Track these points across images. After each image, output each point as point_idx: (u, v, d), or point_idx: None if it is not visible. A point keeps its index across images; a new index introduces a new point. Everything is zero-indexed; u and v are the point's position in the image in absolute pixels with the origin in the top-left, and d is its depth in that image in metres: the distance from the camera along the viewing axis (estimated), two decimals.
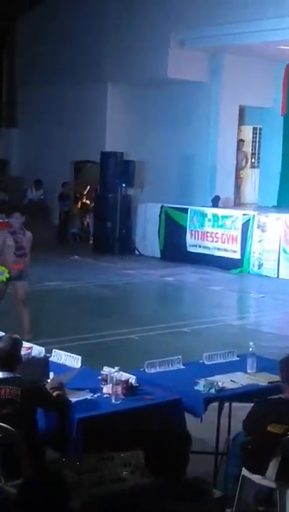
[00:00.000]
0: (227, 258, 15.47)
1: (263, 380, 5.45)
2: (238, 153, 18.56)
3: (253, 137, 19.68)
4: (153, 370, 5.61)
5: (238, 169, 18.68)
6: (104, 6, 17.46)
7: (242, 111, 18.18)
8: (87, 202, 20.17)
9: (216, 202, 16.44)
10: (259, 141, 19.29)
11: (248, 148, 19.55)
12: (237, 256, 15.34)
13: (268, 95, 17.59)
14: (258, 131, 19.41)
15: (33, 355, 5.58)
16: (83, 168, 20.47)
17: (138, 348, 9.25)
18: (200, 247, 16.04)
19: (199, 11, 15.64)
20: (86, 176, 20.50)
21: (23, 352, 5.18)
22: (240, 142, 18.88)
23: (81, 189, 20.53)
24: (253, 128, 19.59)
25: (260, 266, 15.05)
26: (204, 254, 15.87)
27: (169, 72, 16.37)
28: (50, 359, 5.60)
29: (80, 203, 20.26)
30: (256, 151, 19.65)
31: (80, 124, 18.31)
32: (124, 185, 17.03)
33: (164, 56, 16.29)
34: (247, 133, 19.53)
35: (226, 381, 5.37)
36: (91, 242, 18.22)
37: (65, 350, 5.87)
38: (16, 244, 9.01)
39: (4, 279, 8.99)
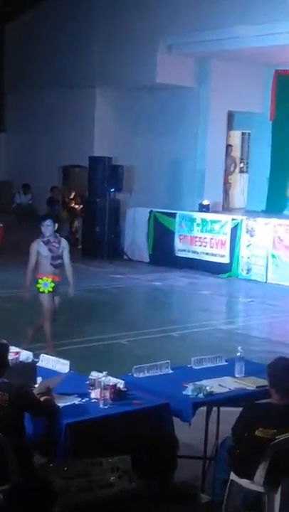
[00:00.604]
0: (216, 263, 15.49)
1: (251, 384, 5.46)
2: (227, 158, 18.60)
3: (241, 142, 19.74)
4: (141, 375, 5.61)
5: (227, 174, 18.73)
6: (93, 12, 17.47)
7: (231, 116, 18.23)
8: (76, 206, 20.15)
9: (204, 208, 16.45)
10: (248, 146, 19.34)
11: (236, 153, 19.61)
12: (225, 261, 15.37)
13: (256, 100, 17.65)
14: (246, 136, 19.47)
15: (20, 360, 5.57)
16: (72, 172, 20.45)
17: (127, 353, 9.24)
18: (189, 251, 16.07)
19: (187, 16, 15.67)
20: (74, 180, 20.49)
21: (10, 357, 5.16)
22: (229, 147, 18.92)
23: (68, 194, 20.51)
24: (242, 133, 19.65)
25: (248, 270, 15.08)
26: (193, 258, 15.89)
27: (157, 77, 16.39)
28: (38, 364, 5.58)
29: (68, 208, 20.23)
30: (245, 156, 19.70)
31: (69, 128, 18.30)
32: (112, 189, 17.03)
33: (152, 61, 16.32)
34: (236, 138, 19.58)
35: (215, 385, 5.38)
36: (80, 246, 18.19)
37: (55, 355, 5.85)
38: (51, 253, 8.55)
39: (50, 289, 8.57)
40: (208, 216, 15.95)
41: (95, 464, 4.07)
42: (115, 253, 17.13)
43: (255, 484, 4.55)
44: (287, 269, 14.49)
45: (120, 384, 5.10)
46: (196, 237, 15.92)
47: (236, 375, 5.65)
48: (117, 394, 4.97)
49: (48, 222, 8.62)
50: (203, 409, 5.27)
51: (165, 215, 16.56)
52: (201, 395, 5.18)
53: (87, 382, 5.17)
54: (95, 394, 4.99)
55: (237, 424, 4.73)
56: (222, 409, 5.75)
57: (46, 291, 8.60)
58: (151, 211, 16.81)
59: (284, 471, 4.51)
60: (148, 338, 10.10)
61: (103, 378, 4.99)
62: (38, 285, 8.60)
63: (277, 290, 14.10)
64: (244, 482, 4.62)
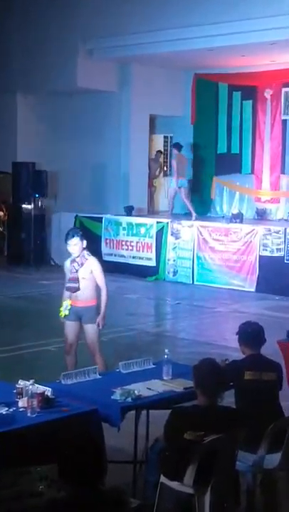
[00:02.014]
0: (142, 266, 15.57)
1: (179, 386, 5.51)
2: (154, 162, 18.71)
3: (164, 146, 19.90)
4: (70, 382, 5.59)
5: (152, 178, 18.84)
6: (10, 15, 17.30)
7: (153, 120, 18.35)
8: (1, 213, 19.91)
9: (129, 211, 16.51)
10: (170, 150, 19.50)
11: (160, 156, 19.74)
12: (152, 263, 15.47)
13: (177, 104, 17.85)
14: (169, 140, 19.63)
15: None
16: None
17: (55, 360, 9.17)
18: (115, 255, 16.09)
19: (107, 21, 15.70)
20: None
21: None
22: (158, 153, 19.06)
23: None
24: (164, 137, 19.81)
25: (175, 273, 15.21)
26: (120, 262, 15.92)
27: (78, 81, 16.37)
28: None
29: None
30: (168, 160, 19.86)
31: None
32: (37, 195, 16.93)
33: (73, 65, 16.29)
34: (158, 142, 19.73)
35: (143, 389, 5.40)
36: (5, 253, 17.99)
37: None
38: (70, 274, 7.54)
39: (67, 313, 7.55)
40: (134, 220, 16.02)
41: (23, 474, 4.04)
42: (42, 259, 17.02)
43: (185, 486, 4.59)
44: (212, 271, 14.69)
45: (48, 392, 5.07)
46: (123, 240, 15.96)
47: (164, 378, 5.69)
48: (45, 402, 4.93)
49: (74, 240, 7.48)
50: (133, 413, 5.29)
51: (91, 219, 16.54)
52: (129, 399, 5.20)
53: (15, 391, 5.12)
54: (22, 403, 4.94)
55: (166, 429, 4.75)
56: (151, 412, 5.78)
57: (63, 316, 7.63)
58: (76, 216, 16.77)
59: (213, 471, 4.56)
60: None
61: (31, 386, 4.95)
62: (61, 308, 7.66)
63: (204, 291, 14.26)
64: (174, 484, 4.65)
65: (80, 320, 7.57)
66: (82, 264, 7.49)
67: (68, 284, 7.57)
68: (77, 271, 7.50)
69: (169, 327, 11.95)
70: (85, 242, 7.55)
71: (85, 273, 7.49)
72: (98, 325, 7.55)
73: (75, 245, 7.48)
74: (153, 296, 14.19)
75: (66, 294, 7.62)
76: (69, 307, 7.54)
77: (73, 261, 7.53)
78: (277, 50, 14.69)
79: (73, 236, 7.51)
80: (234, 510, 4.84)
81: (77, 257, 7.52)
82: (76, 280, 7.50)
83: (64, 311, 7.57)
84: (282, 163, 16.75)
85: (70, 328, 7.60)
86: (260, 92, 16.89)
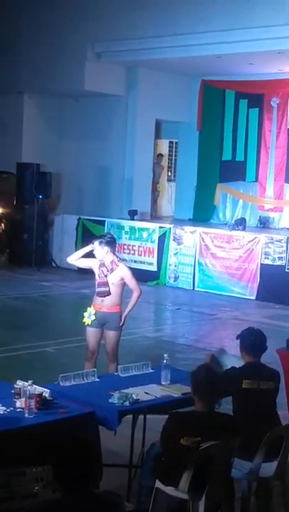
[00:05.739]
0: (144, 270, 15.54)
1: (177, 391, 5.51)
2: (157, 166, 18.73)
3: (169, 151, 19.93)
4: (68, 383, 5.59)
5: (155, 182, 18.85)
6: (20, 17, 17.34)
7: (158, 125, 18.37)
8: (3, 213, 19.91)
9: (132, 215, 16.52)
10: (175, 155, 19.53)
11: (164, 161, 19.77)
12: (153, 268, 15.47)
13: (183, 110, 17.85)
14: (174, 145, 19.66)
15: None
16: None
17: (53, 361, 9.20)
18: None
19: (116, 25, 15.74)
20: (2, 187, 20.26)
21: None
22: (160, 156, 19.09)
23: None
24: (170, 142, 19.84)
25: (176, 278, 15.22)
26: None
27: (86, 84, 16.39)
28: None
29: None
30: (172, 165, 19.90)
31: None
32: (40, 196, 16.94)
33: (81, 68, 16.31)
34: (163, 147, 19.75)
35: (140, 393, 5.40)
36: (7, 253, 18.00)
37: None
38: (98, 279, 7.44)
39: (89, 323, 7.41)
40: (137, 224, 16.03)
41: (17, 474, 4.04)
42: (43, 260, 17.03)
43: (179, 491, 4.58)
44: (213, 277, 14.69)
45: (46, 393, 5.07)
46: (125, 244, 15.97)
47: (162, 383, 5.69)
48: (43, 403, 4.94)
49: (95, 245, 7.48)
50: (130, 417, 5.28)
51: (94, 222, 16.56)
52: (126, 403, 5.19)
53: (13, 391, 5.12)
54: (20, 403, 4.94)
55: (162, 434, 4.75)
56: (148, 416, 5.77)
57: (86, 324, 7.47)
58: (79, 218, 16.79)
59: (208, 478, 4.55)
60: (75, 346, 10.04)
61: (29, 387, 4.95)
62: (84, 313, 7.51)
63: (204, 298, 14.26)
64: (169, 490, 4.64)
65: (102, 326, 7.47)
66: (112, 270, 7.42)
67: (99, 289, 7.44)
68: (106, 276, 7.41)
69: (169, 332, 11.94)
70: (106, 248, 7.43)
71: (114, 279, 7.41)
72: (123, 323, 7.52)
73: (96, 250, 7.46)
74: (153, 301, 14.16)
75: (96, 299, 7.49)
76: (93, 316, 7.41)
77: (102, 265, 7.44)
78: (284, 59, 14.71)
79: (96, 240, 7.55)
80: None
81: (106, 261, 7.43)
82: (106, 284, 7.41)
83: (87, 319, 7.42)
84: (287, 172, 16.74)
85: (93, 335, 7.47)
86: (267, 100, 16.90)
